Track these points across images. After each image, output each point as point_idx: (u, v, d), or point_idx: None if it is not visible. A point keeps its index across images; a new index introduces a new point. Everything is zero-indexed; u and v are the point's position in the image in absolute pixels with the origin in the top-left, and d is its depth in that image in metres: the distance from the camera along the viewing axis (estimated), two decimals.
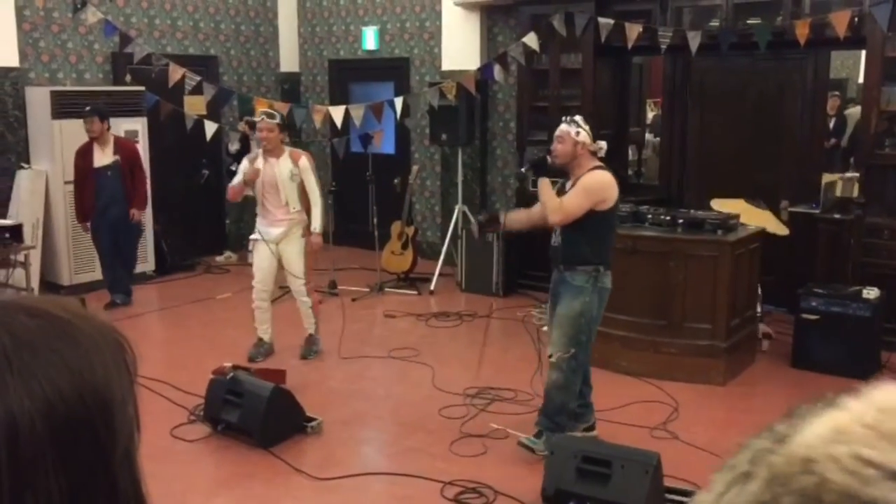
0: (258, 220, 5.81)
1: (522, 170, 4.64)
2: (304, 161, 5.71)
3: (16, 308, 0.62)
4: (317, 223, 5.72)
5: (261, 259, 5.77)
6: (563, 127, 4.28)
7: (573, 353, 4.24)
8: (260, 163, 5.66)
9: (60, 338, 0.61)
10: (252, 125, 6.99)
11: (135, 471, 0.64)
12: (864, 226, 6.09)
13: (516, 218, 4.70)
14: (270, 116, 5.67)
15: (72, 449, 0.58)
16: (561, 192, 4.31)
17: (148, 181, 7.46)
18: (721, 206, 6.02)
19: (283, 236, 5.72)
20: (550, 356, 4.32)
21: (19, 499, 0.55)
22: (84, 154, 6.88)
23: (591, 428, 4.59)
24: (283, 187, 5.64)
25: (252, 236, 5.87)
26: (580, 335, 4.24)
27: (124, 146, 7.06)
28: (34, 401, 0.57)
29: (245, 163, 5.78)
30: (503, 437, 4.62)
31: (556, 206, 4.19)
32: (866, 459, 0.43)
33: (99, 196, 6.92)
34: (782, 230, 6.08)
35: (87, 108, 6.94)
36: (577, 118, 4.35)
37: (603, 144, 4.39)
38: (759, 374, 5.63)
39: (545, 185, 4.26)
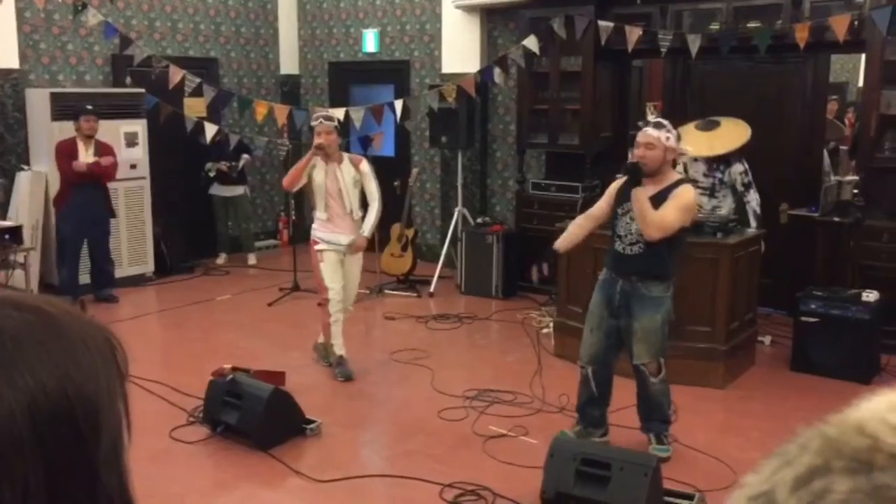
0: (321, 228, 5.50)
1: (618, 176, 4.32)
2: (365, 165, 5.49)
3: (3, 302, 0.63)
4: (367, 228, 5.49)
5: (334, 269, 5.48)
6: (653, 132, 4.06)
7: (663, 360, 4.28)
8: (320, 170, 5.42)
9: (47, 333, 0.61)
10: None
11: (121, 469, 0.64)
12: (863, 229, 6.10)
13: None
14: (328, 119, 5.43)
15: (52, 443, 0.58)
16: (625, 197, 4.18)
17: (147, 183, 7.48)
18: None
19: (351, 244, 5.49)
20: (649, 369, 4.29)
21: None
22: (69, 150, 6.95)
23: (606, 433, 4.60)
24: (347, 195, 5.40)
25: (317, 246, 5.49)
26: (665, 342, 4.26)
27: (106, 149, 7.14)
28: (16, 392, 0.57)
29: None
30: (499, 437, 4.62)
31: (658, 222, 4.00)
32: None
33: (79, 193, 6.99)
34: (740, 139, 5.95)
35: (90, 107, 6.99)
36: (665, 122, 4.16)
37: (689, 149, 4.28)
38: (759, 378, 5.62)
39: (643, 197, 4.02)
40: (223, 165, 8.44)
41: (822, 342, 5.54)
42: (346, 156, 5.55)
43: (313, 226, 5.58)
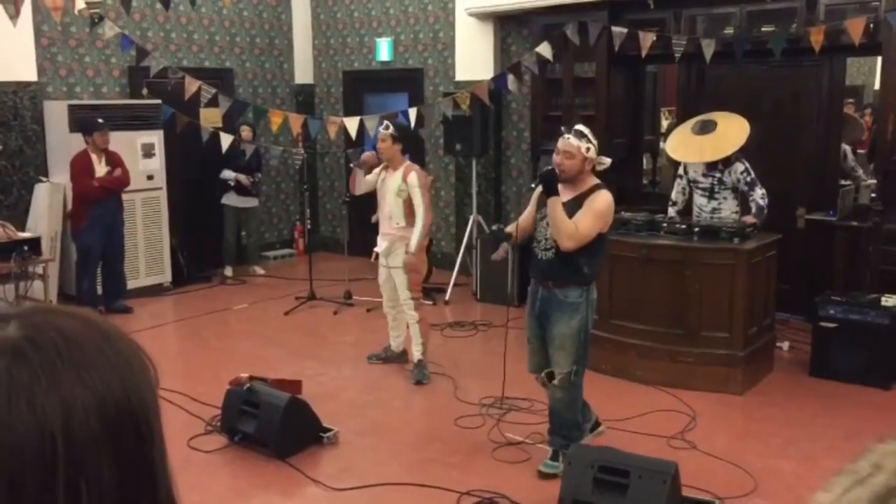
0: (379, 230, 5.85)
1: (533, 185, 4.32)
2: (413, 177, 5.55)
3: (60, 312, 0.66)
4: (413, 242, 5.57)
5: (380, 274, 5.87)
6: (573, 141, 4.08)
7: (575, 369, 4.19)
8: (380, 173, 5.71)
9: (102, 339, 0.65)
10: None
11: (168, 474, 0.67)
12: (882, 233, 6.05)
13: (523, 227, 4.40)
14: (385, 127, 5.65)
15: (120, 441, 0.61)
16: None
17: (162, 194, 7.52)
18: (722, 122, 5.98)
19: (388, 251, 5.69)
20: (552, 378, 4.23)
21: (74, 484, 0.58)
22: (86, 165, 6.99)
23: (597, 424, 4.59)
24: (389, 201, 5.59)
25: (375, 249, 5.89)
26: (581, 350, 4.18)
27: (115, 158, 7.19)
28: (87, 392, 0.60)
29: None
30: (517, 444, 4.61)
31: (572, 231, 4.00)
32: None
33: (101, 206, 7.06)
34: (738, 140, 5.90)
35: (101, 121, 7.04)
36: (586, 130, 4.16)
37: (607, 161, 4.23)
38: (778, 383, 5.58)
39: (558, 207, 4.02)
40: (244, 179, 8.48)
41: (841, 347, 5.50)
42: (405, 164, 5.64)
43: None
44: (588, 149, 4.10)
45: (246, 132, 8.30)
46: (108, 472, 0.60)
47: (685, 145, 6.06)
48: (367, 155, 5.84)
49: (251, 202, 8.80)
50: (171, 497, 0.67)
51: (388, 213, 5.62)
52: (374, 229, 6.06)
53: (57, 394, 0.59)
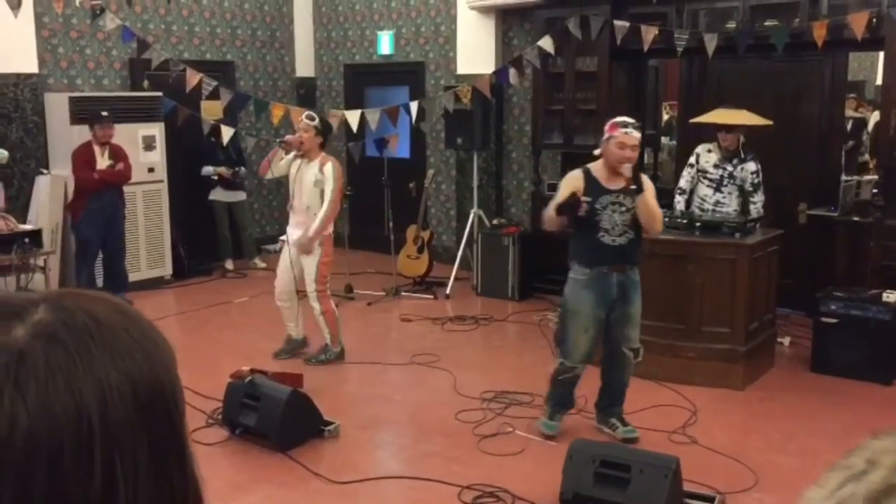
0: (289, 222, 5.95)
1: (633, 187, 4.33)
2: (329, 168, 5.72)
3: (84, 295, 0.67)
4: (314, 226, 5.69)
5: (281, 260, 5.94)
6: (637, 134, 4.28)
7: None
8: (294, 162, 5.80)
9: (128, 321, 0.66)
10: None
11: (192, 454, 0.68)
12: (883, 228, 6.04)
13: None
14: (310, 118, 5.81)
15: (151, 419, 0.62)
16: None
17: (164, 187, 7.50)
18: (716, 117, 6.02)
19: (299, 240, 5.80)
20: (636, 353, 4.52)
21: (110, 463, 0.59)
22: (88, 157, 6.96)
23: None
24: (306, 191, 5.73)
25: (281, 237, 6.02)
26: None
27: (119, 152, 7.15)
28: (120, 374, 0.61)
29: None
30: (516, 438, 4.61)
31: (661, 216, 4.43)
32: None
33: (100, 198, 7.02)
34: (765, 120, 5.99)
35: (105, 114, 7.02)
36: (632, 121, 4.37)
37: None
38: (779, 379, 5.58)
39: (651, 202, 4.31)
40: (225, 172, 8.45)
41: (842, 343, 5.50)
42: (321, 156, 5.78)
43: None
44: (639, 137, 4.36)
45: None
46: (141, 451, 0.61)
47: (713, 116, 6.10)
48: (292, 138, 5.80)
49: (239, 195, 8.75)
50: (194, 476, 0.68)
51: (306, 203, 5.75)
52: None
53: (92, 376, 0.60)
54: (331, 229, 5.89)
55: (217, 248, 8.76)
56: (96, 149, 7.02)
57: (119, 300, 0.69)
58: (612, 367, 4.60)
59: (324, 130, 5.82)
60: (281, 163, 5.83)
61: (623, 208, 4.33)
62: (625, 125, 4.27)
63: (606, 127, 4.39)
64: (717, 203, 5.99)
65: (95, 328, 0.62)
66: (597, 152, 4.44)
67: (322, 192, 5.70)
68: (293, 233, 5.83)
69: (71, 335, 0.61)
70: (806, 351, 5.84)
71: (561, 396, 4.64)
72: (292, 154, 5.77)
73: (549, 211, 4.43)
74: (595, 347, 4.53)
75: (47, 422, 0.58)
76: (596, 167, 4.43)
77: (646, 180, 4.37)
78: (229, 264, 8.77)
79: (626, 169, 4.22)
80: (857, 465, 0.46)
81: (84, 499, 0.58)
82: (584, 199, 4.29)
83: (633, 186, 4.25)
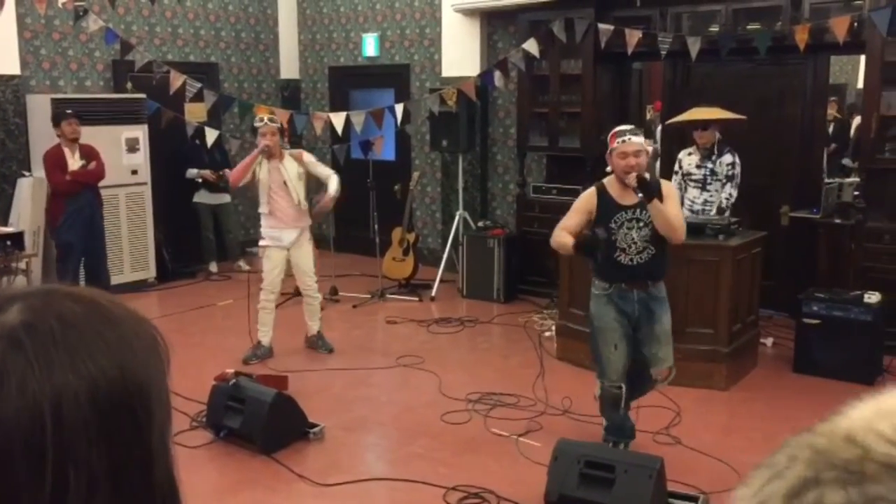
0: (266, 224, 5.90)
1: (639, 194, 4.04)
2: (307, 156, 5.95)
3: (63, 295, 0.66)
4: (332, 188, 5.87)
5: (273, 265, 5.91)
6: (636, 140, 4.03)
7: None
8: (264, 167, 5.80)
9: (103, 322, 0.64)
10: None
11: (168, 456, 0.67)
12: (864, 230, 6.10)
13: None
14: (273, 120, 5.89)
15: (113, 426, 0.61)
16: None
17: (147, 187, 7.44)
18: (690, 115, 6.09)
19: (296, 240, 5.88)
20: (665, 377, 4.29)
21: (62, 470, 0.58)
22: (58, 159, 6.87)
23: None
24: (293, 187, 5.78)
25: (262, 242, 5.95)
26: None
27: (89, 150, 7.05)
28: (79, 378, 0.60)
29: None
30: (505, 441, 4.62)
31: (682, 223, 4.11)
32: None
33: (77, 199, 6.93)
34: (737, 115, 6.00)
35: (69, 111, 6.91)
36: (640, 130, 4.28)
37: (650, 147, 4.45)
38: (762, 379, 5.62)
39: (663, 208, 4.00)
40: (209, 175, 8.41)
41: (824, 344, 5.54)
42: (286, 152, 5.91)
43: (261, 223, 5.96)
44: (647, 142, 4.22)
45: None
46: (98, 459, 0.60)
47: (688, 115, 6.14)
48: (268, 143, 5.72)
49: (223, 198, 8.71)
50: (170, 480, 0.67)
51: (296, 198, 5.80)
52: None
53: (49, 381, 0.59)
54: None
55: (201, 251, 8.71)
56: (66, 150, 6.90)
57: (105, 300, 0.68)
58: (633, 380, 4.30)
59: (282, 128, 6.01)
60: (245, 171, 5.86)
61: (640, 223, 4.10)
62: (622, 133, 4.06)
63: (609, 139, 4.16)
64: (705, 202, 6.03)
65: (60, 332, 0.61)
66: (608, 168, 4.20)
67: (305, 185, 5.85)
68: (286, 234, 5.85)
69: (32, 339, 0.60)
70: (788, 352, 5.89)
71: (613, 421, 4.35)
72: (251, 160, 5.78)
73: (564, 240, 4.12)
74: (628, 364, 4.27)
75: None
76: (610, 182, 4.19)
77: (666, 186, 4.16)
78: (213, 267, 8.72)
79: (631, 179, 3.97)
80: (779, 463, 0.47)
81: (34, 503, 0.57)
82: (599, 234, 4.08)
83: (639, 195, 4.02)
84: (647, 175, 4.02)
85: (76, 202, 6.94)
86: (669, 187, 4.20)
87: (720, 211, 5.87)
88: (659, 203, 4.00)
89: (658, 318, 4.19)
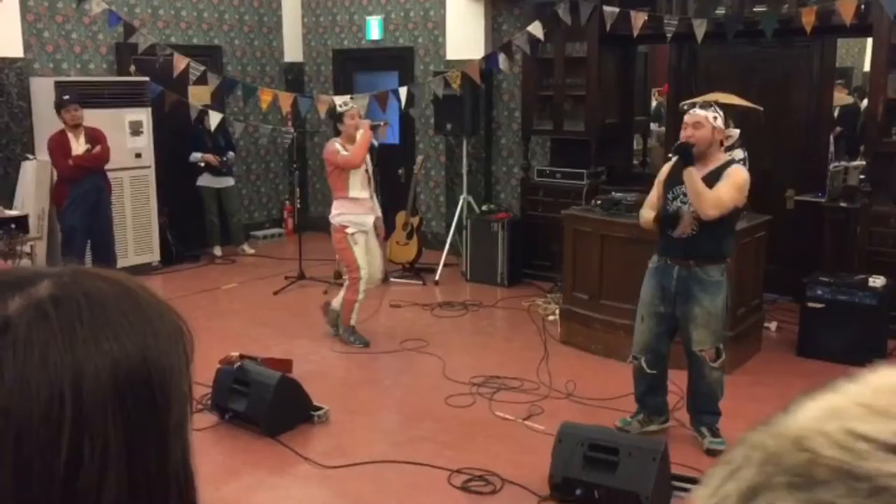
0: (350, 210, 5.78)
1: (669, 155, 4.19)
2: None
3: (93, 275, 0.67)
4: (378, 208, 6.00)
5: (366, 251, 5.85)
6: (700, 112, 4.03)
7: (721, 347, 4.22)
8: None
9: (129, 304, 0.65)
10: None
11: (185, 444, 0.67)
12: (870, 214, 6.08)
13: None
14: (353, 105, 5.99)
15: (131, 405, 0.62)
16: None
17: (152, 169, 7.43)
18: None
19: (372, 226, 5.92)
20: (715, 354, 4.22)
21: (78, 445, 0.59)
22: (62, 144, 6.81)
23: (667, 420, 4.61)
24: (370, 175, 5.83)
25: (349, 229, 5.76)
26: (724, 327, 4.22)
27: (95, 133, 6.99)
28: (101, 356, 0.61)
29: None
30: (509, 424, 4.63)
31: (715, 200, 3.96)
32: (859, 434, 0.42)
33: (82, 184, 6.88)
34: (754, 105, 5.98)
35: (67, 97, 6.84)
36: (712, 102, 4.14)
37: (735, 132, 4.27)
38: (765, 363, 5.62)
39: (695, 176, 3.98)
40: (212, 158, 8.39)
41: (828, 328, 5.54)
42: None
43: (338, 210, 5.79)
44: (716, 118, 4.06)
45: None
46: (114, 436, 0.61)
47: (713, 97, 6.10)
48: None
49: (227, 181, 8.69)
50: (186, 469, 0.67)
51: (373, 186, 5.87)
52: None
53: (71, 354, 0.60)
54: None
55: (205, 235, 8.72)
56: (70, 135, 6.86)
57: (133, 283, 0.68)
58: (689, 368, 4.34)
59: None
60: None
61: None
62: (689, 105, 4.14)
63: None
64: None
65: (87, 308, 0.62)
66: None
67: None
68: (367, 220, 5.85)
69: (60, 312, 0.61)
70: (793, 335, 5.88)
71: (642, 396, 4.44)
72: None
73: (646, 216, 4.24)
74: (660, 342, 4.30)
75: (19, 394, 0.58)
76: None
77: (732, 170, 4.06)
78: (217, 251, 8.73)
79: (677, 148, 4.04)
80: (735, 461, 0.46)
81: (48, 471, 0.58)
82: (681, 210, 4.11)
83: (671, 155, 4.06)
84: (693, 144, 4.01)
85: (81, 186, 6.90)
86: (735, 173, 4.07)
87: None
88: (694, 172, 3.98)
89: (697, 298, 4.12)
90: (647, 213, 4.27)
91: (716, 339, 4.21)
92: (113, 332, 0.62)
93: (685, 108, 4.22)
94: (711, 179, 4.05)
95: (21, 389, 0.58)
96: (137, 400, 0.62)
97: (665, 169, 4.29)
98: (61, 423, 0.59)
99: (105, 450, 0.60)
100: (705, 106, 4.09)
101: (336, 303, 6.08)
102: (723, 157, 4.17)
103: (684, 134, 4.07)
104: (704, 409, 4.36)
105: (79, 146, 6.88)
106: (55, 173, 7.17)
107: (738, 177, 4.06)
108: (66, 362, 0.60)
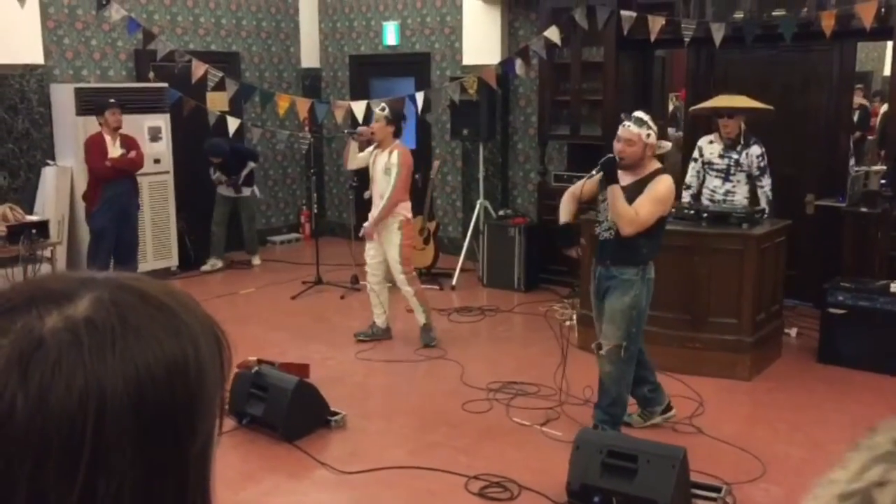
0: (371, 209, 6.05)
1: (594, 172, 4.27)
2: (395, 154, 5.85)
3: (131, 290, 0.65)
4: (374, 213, 5.93)
5: (368, 247, 6.11)
6: (633, 129, 4.12)
7: (624, 345, 4.24)
8: (372, 153, 6.01)
9: (165, 328, 0.63)
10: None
11: (206, 470, 0.65)
12: (891, 219, 6.02)
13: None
14: (381, 109, 6.01)
15: (151, 436, 0.60)
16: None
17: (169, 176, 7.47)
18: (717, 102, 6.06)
19: (380, 229, 5.97)
20: (600, 349, 4.32)
21: (95, 474, 0.57)
22: (100, 145, 6.93)
23: (669, 408, 4.64)
24: (379, 179, 5.89)
25: (365, 224, 6.10)
26: (631, 327, 4.24)
27: (131, 142, 7.12)
28: (127, 383, 0.59)
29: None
30: (527, 430, 4.61)
31: (632, 217, 4.06)
32: None
33: (111, 187, 6.97)
34: (765, 105, 5.96)
35: (112, 100, 6.98)
36: (645, 117, 4.19)
37: (668, 145, 4.37)
38: (786, 370, 5.57)
39: (618, 194, 4.08)
40: (223, 179, 8.39)
41: (849, 334, 5.48)
42: (394, 144, 5.91)
43: (404, 209, 6.00)
44: (648, 135, 4.14)
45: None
46: (133, 467, 0.59)
47: (716, 101, 6.09)
48: (364, 129, 6.08)
49: (244, 191, 8.62)
50: (205, 494, 0.65)
51: (381, 192, 5.88)
52: (366, 215, 6.13)
53: (97, 381, 0.58)
54: (409, 214, 6.01)
55: (208, 244, 8.56)
56: (107, 138, 6.98)
57: (174, 302, 0.66)
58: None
59: (394, 119, 5.90)
60: (360, 155, 6.06)
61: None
62: (627, 118, 4.22)
63: None
64: (727, 193, 5.96)
65: (121, 334, 0.61)
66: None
67: (394, 180, 5.86)
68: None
69: (92, 340, 0.60)
70: (813, 342, 5.83)
71: (632, 389, 4.58)
72: (373, 146, 5.97)
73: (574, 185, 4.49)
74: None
75: (41, 418, 0.57)
76: None
77: (656, 183, 4.12)
78: (207, 265, 8.48)
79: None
80: (882, 446, 0.46)
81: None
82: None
83: (593, 172, 4.20)
84: (619, 160, 4.13)
85: (113, 189, 6.98)
86: (658, 187, 4.12)
87: (769, 203, 5.82)
88: (617, 189, 4.09)
89: (608, 296, 4.26)
90: (566, 208, 4.49)
91: (620, 335, 4.24)
92: (142, 358, 0.61)
93: (622, 117, 4.30)
94: (638, 189, 4.15)
95: (43, 413, 0.57)
96: (161, 434, 0.61)
97: (589, 183, 4.36)
98: (80, 453, 0.57)
99: (121, 482, 0.58)
100: (639, 123, 4.14)
101: (419, 315, 6.09)
102: (652, 166, 4.24)
103: (616, 147, 4.17)
104: (599, 402, 4.42)
105: (115, 150, 6.98)
106: (76, 176, 7.23)
107: (659, 189, 4.13)
108: (90, 391, 0.58)
